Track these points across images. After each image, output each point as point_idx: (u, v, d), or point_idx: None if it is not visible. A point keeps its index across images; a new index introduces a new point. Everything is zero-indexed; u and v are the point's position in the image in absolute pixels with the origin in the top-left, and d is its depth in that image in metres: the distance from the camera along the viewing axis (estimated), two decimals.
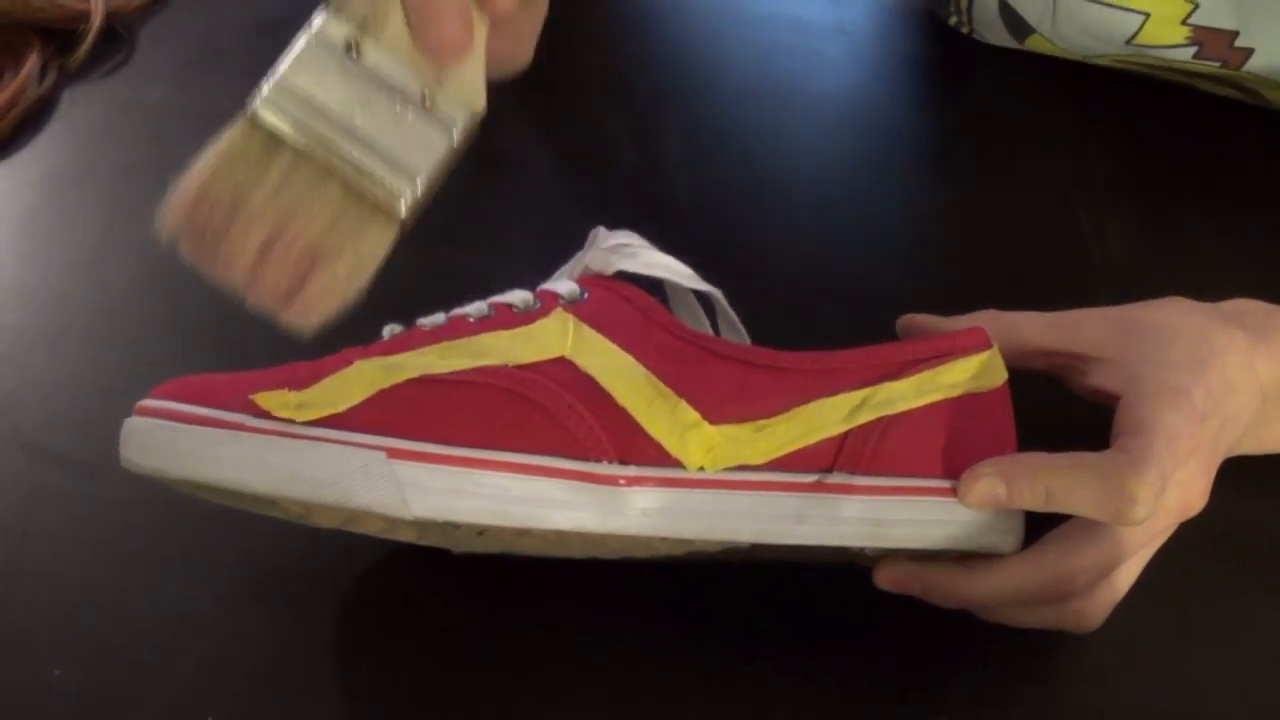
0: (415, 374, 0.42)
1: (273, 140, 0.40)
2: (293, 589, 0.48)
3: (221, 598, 0.48)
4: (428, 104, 0.40)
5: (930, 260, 0.62)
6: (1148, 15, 0.62)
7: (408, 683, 0.46)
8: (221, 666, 0.46)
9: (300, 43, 0.40)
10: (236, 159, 0.40)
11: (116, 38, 0.70)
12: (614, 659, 0.46)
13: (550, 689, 0.46)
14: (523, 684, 0.46)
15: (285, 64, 0.40)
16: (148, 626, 0.47)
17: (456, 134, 0.41)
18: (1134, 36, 0.64)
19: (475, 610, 0.48)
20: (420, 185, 0.40)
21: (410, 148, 0.40)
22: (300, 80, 0.40)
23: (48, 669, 0.46)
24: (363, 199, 0.40)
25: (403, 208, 0.40)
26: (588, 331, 0.43)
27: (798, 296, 0.58)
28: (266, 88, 0.40)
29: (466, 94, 0.41)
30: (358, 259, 0.40)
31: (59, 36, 0.69)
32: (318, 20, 0.40)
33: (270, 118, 0.40)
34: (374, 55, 0.40)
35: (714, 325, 0.48)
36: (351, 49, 0.40)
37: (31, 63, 0.66)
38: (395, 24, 0.40)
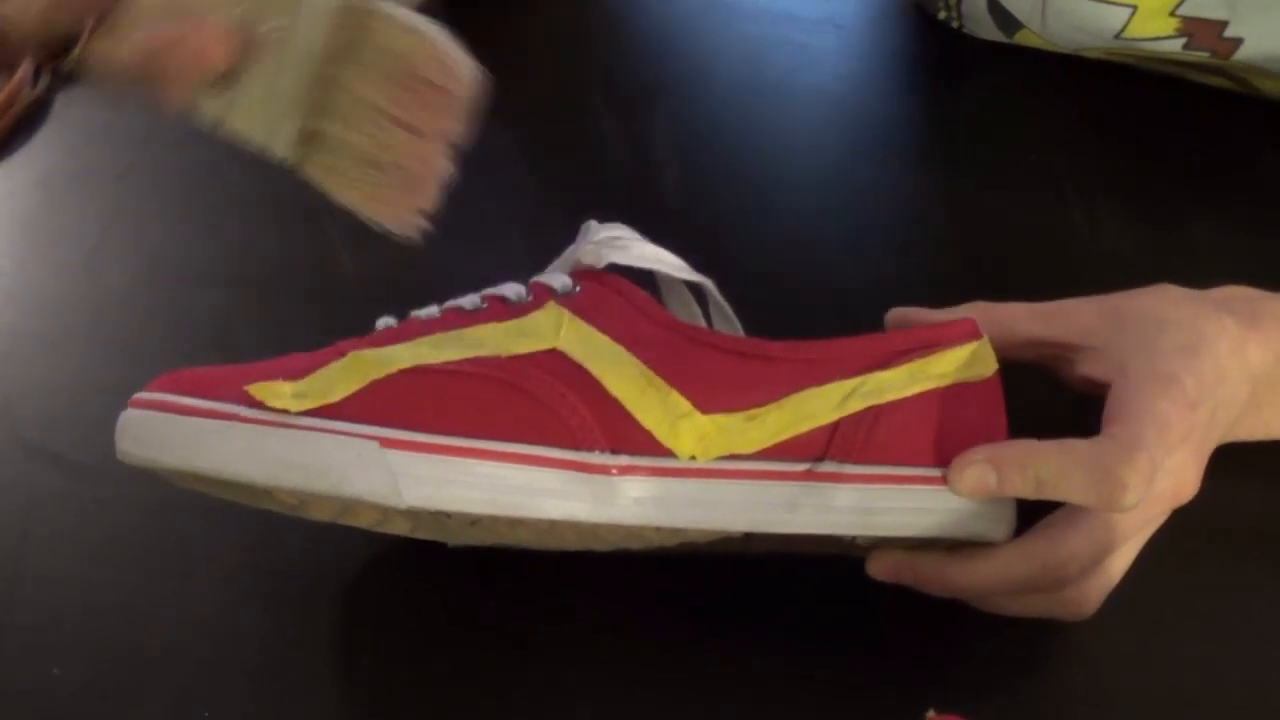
0: (409, 365, 0.43)
1: None
2: (291, 588, 0.48)
3: (220, 597, 0.48)
4: None
5: (922, 252, 0.62)
6: (1135, 8, 0.63)
7: (407, 680, 0.46)
8: (220, 665, 0.46)
9: None
10: None
11: None
12: (612, 655, 0.47)
13: (549, 686, 0.46)
14: (522, 681, 0.46)
15: None
16: (147, 625, 0.47)
17: None
18: (1123, 30, 0.64)
19: (473, 608, 0.48)
20: None
21: None
22: None
23: (47, 668, 0.46)
24: None
25: None
26: (580, 324, 0.43)
27: (789, 287, 0.59)
28: None
29: None
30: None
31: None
32: None
33: None
34: None
35: (706, 315, 0.48)
36: None
37: (25, 66, 0.67)
38: None
